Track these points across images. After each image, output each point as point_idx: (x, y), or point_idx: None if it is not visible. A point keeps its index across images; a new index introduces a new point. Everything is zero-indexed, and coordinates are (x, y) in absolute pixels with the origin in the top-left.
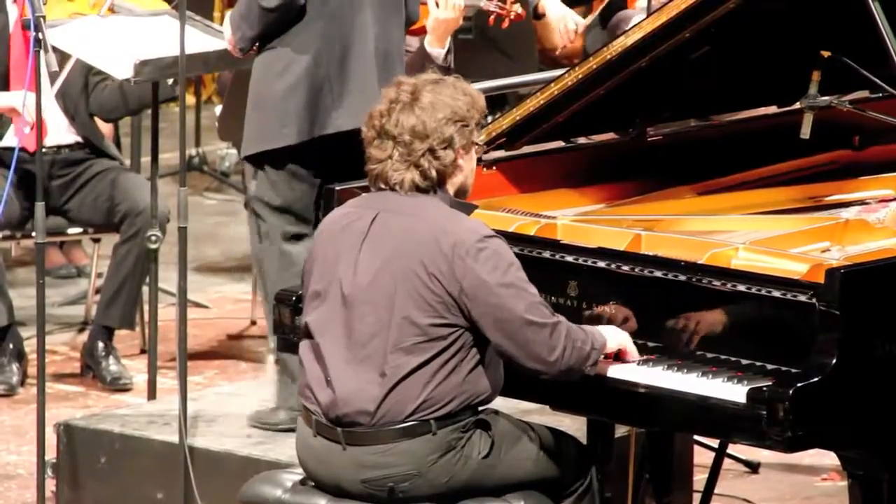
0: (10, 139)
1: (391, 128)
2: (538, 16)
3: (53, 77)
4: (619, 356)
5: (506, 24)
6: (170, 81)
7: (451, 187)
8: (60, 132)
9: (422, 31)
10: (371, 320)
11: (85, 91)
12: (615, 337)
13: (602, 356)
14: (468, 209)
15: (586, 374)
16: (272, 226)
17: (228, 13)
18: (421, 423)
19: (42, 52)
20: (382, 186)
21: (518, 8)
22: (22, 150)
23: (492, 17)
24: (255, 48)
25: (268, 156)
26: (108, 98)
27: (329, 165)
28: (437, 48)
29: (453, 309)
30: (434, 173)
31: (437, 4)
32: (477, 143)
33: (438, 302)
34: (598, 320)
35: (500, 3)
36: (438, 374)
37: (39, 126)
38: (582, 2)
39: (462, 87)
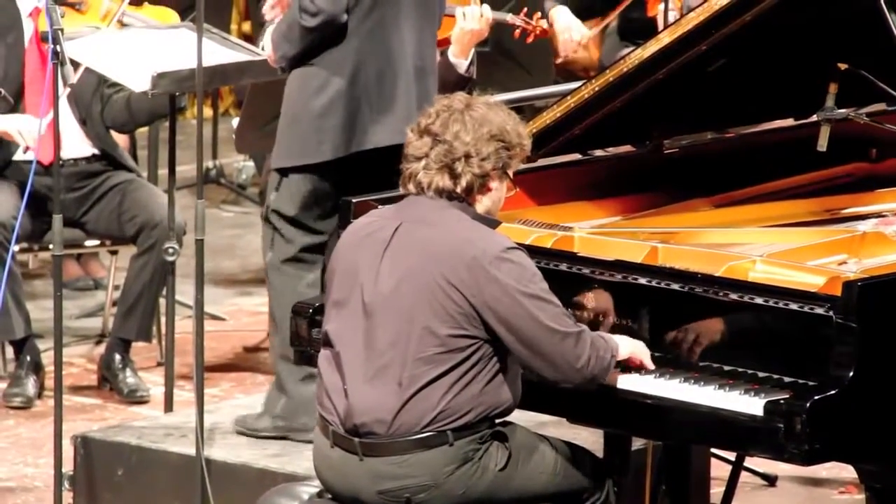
0: (27, 152)
1: (436, 128)
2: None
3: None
4: (631, 364)
5: (530, 38)
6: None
7: (478, 206)
8: (76, 144)
9: (444, 43)
10: (391, 330)
11: (99, 102)
12: (627, 345)
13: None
14: (492, 224)
15: (603, 383)
16: (286, 238)
17: (269, 29)
18: (438, 433)
19: (60, 66)
20: (411, 189)
21: (544, 24)
22: (37, 163)
23: (517, 31)
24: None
25: (297, 168)
26: (118, 110)
27: (360, 182)
28: (461, 59)
29: (474, 321)
30: (464, 182)
31: (465, 16)
32: (510, 177)
33: (459, 313)
34: (613, 333)
35: (525, 19)
36: (456, 385)
37: (58, 140)
38: (594, 14)
39: (517, 120)
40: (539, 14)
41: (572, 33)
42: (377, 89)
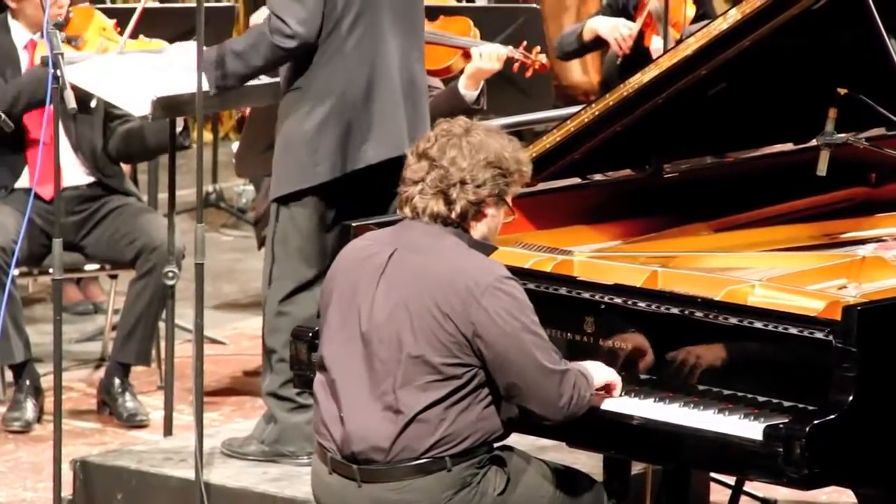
0: (26, 180)
1: (433, 152)
2: (592, 43)
3: (70, 114)
4: (607, 393)
5: (529, 73)
6: (179, 128)
7: (473, 232)
8: (76, 173)
9: (444, 73)
10: (386, 358)
11: (102, 132)
12: (602, 374)
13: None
14: (487, 250)
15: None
16: (288, 269)
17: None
18: (436, 459)
19: (60, 90)
20: (407, 212)
21: (543, 58)
22: (37, 197)
23: (516, 64)
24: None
25: (296, 196)
26: (123, 142)
27: (354, 204)
28: (471, 91)
29: (466, 349)
30: (459, 208)
31: (481, 55)
32: (508, 204)
33: (452, 342)
34: (613, 357)
35: (525, 52)
36: (452, 410)
37: (58, 171)
38: (598, 46)
39: (517, 146)
40: (538, 48)
41: (621, 29)
42: (365, 107)
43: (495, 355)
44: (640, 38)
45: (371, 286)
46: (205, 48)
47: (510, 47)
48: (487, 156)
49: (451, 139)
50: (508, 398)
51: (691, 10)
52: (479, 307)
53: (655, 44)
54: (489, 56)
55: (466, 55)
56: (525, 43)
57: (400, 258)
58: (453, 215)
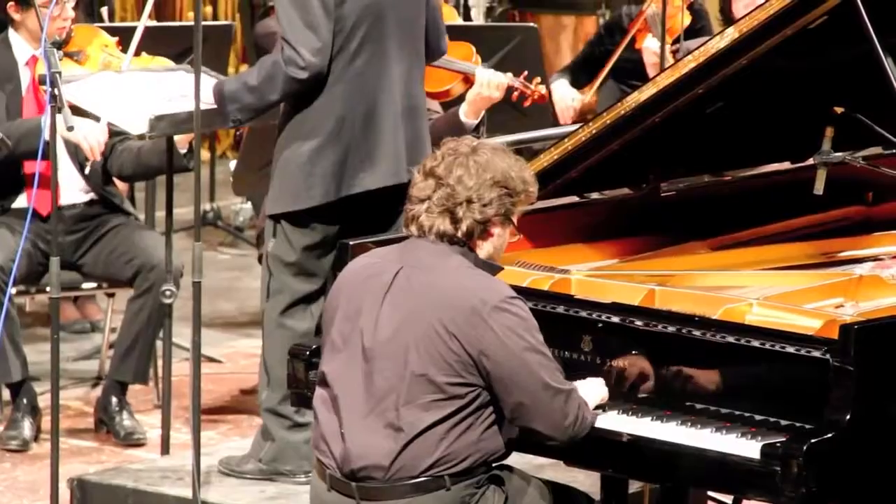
0: (24, 199)
1: (440, 171)
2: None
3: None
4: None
5: (528, 102)
6: (183, 151)
7: (479, 251)
8: (75, 191)
9: (443, 96)
10: (389, 376)
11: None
12: (599, 392)
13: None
14: (494, 270)
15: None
16: (283, 284)
17: (216, 83)
18: (435, 478)
19: (58, 110)
20: (413, 230)
21: (542, 89)
22: (35, 215)
23: (515, 93)
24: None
25: (289, 214)
26: (125, 161)
27: (353, 224)
28: (472, 119)
29: (471, 369)
30: (465, 227)
31: (486, 85)
32: (513, 223)
33: (457, 361)
34: (610, 375)
35: (525, 82)
36: (454, 430)
37: (55, 187)
38: (590, 76)
39: (524, 166)
40: (538, 79)
41: (567, 101)
42: (364, 133)
43: (501, 375)
44: (632, 42)
45: (376, 304)
46: (218, 79)
47: (510, 75)
48: (494, 175)
49: (457, 158)
50: (513, 419)
51: (687, 19)
52: (485, 326)
53: (649, 44)
54: (489, 84)
55: (467, 80)
56: (526, 73)
57: (406, 276)
58: (459, 234)
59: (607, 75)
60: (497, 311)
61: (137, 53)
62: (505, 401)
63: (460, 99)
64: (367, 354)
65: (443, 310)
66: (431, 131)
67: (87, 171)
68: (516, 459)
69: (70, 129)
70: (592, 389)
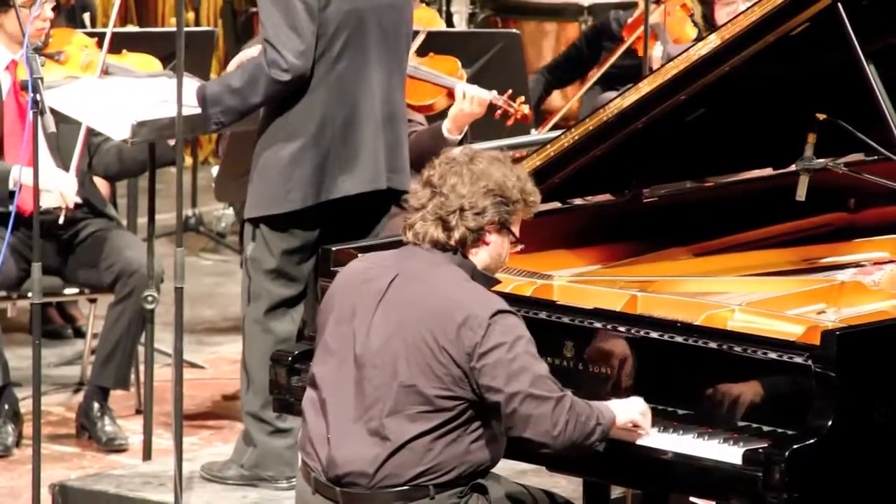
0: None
1: (436, 180)
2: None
3: (51, 139)
4: (633, 433)
5: (510, 122)
6: (172, 142)
7: (475, 259)
8: (57, 195)
9: (427, 110)
10: (378, 384)
11: (87, 153)
12: (628, 412)
13: (609, 431)
14: (489, 283)
15: (596, 449)
16: (263, 288)
17: (199, 85)
18: (420, 487)
19: (40, 115)
20: (410, 238)
21: (525, 108)
22: (17, 215)
23: (498, 111)
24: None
25: (268, 219)
26: (111, 159)
27: (332, 229)
28: (455, 135)
29: (461, 382)
30: (457, 235)
31: (470, 101)
32: (513, 234)
33: (446, 374)
34: (593, 381)
35: (508, 101)
36: (440, 442)
37: (37, 190)
38: (578, 75)
39: (522, 175)
40: (522, 98)
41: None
42: (344, 138)
43: (489, 387)
44: (629, 49)
45: (369, 310)
46: (200, 83)
47: (494, 93)
48: (488, 183)
49: (453, 167)
50: (506, 429)
51: (692, 31)
52: (474, 339)
53: (659, 52)
54: (471, 101)
55: (450, 95)
56: (510, 91)
57: (400, 285)
58: (452, 242)
59: (595, 81)
60: (486, 325)
61: (119, 52)
62: (495, 412)
63: (444, 113)
64: (357, 360)
65: (435, 322)
66: (415, 144)
67: (60, 220)
68: (499, 465)
69: (52, 135)
70: (624, 406)
